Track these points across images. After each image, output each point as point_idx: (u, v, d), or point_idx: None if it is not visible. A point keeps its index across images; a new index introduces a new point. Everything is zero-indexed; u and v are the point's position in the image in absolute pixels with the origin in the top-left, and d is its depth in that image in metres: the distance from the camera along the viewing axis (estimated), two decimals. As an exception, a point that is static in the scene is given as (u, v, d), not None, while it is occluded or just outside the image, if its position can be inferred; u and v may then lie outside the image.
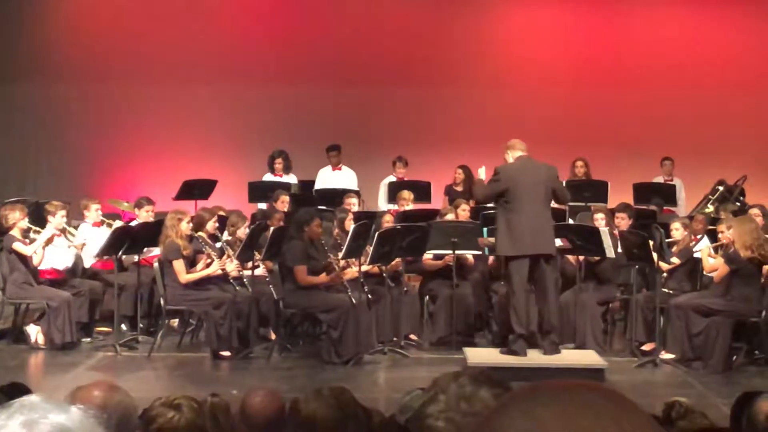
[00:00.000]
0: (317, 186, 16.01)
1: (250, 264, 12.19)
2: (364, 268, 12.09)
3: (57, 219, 12.35)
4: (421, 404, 2.39)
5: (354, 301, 11.40)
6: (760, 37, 17.83)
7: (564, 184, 14.80)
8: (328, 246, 12.03)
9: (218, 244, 12.33)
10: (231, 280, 12.05)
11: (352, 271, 12.07)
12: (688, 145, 17.16)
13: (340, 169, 16.39)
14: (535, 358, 10.84)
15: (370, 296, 11.89)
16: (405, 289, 12.62)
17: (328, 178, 16.26)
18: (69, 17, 18.17)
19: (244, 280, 12.18)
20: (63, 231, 12.51)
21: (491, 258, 12.67)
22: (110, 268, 12.68)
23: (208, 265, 11.98)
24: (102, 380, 4.11)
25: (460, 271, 12.70)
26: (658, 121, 17.56)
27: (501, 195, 10.87)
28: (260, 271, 12.43)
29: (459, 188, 15.83)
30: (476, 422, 1.45)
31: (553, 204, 11.83)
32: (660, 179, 16.35)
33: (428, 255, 12.78)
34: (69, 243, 12.60)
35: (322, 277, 11.72)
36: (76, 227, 13.00)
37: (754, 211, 13.19)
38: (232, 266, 12.04)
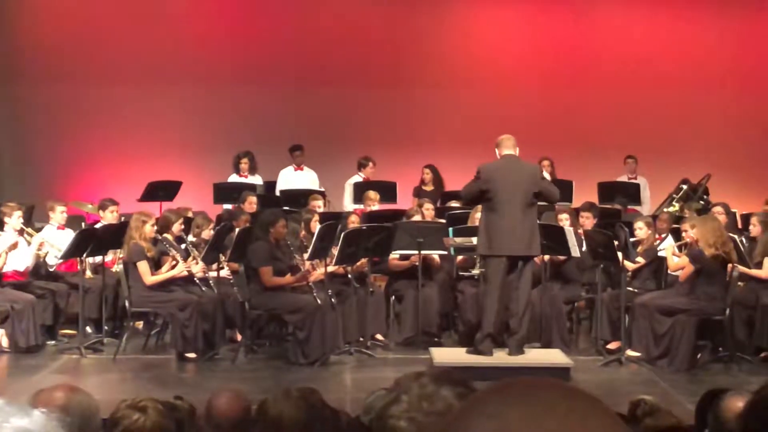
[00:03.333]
0: (279, 186, 15.98)
1: (215, 265, 12.17)
2: (330, 268, 12.10)
3: (13, 220, 12.30)
4: (384, 405, 2.39)
5: (319, 302, 11.38)
6: (723, 36, 17.94)
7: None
8: (294, 247, 12.01)
9: (183, 246, 12.30)
10: (197, 281, 12.00)
11: (319, 273, 12.06)
12: (651, 145, 17.24)
13: (302, 169, 16.37)
14: (500, 357, 10.86)
15: (333, 300, 11.87)
16: (371, 289, 12.61)
17: (290, 179, 16.23)
18: (31, 19, 18.05)
19: (210, 281, 12.15)
20: (20, 231, 12.44)
21: (458, 257, 12.69)
22: (74, 271, 12.61)
23: (173, 267, 11.93)
24: (63, 382, 4.10)
25: (426, 271, 12.71)
26: (622, 120, 17.64)
27: (484, 194, 10.84)
28: (225, 272, 12.41)
29: (428, 188, 15.84)
30: (443, 423, 1.44)
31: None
32: (624, 178, 16.41)
33: (395, 255, 12.78)
34: (27, 243, 12.50)
35: (288, 278, 11.70)
36: (39, 230, 12.91)
37: (718, 209, 13.26)
38: (197, 268, 12.00)
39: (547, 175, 11.55)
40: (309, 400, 4.08)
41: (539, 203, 11.80)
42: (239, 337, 12.24)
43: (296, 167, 16.37)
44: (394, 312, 12.82)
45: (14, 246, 12.11)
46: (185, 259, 11.98)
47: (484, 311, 10.99)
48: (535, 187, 10.88)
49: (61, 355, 11.88)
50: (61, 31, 17.78)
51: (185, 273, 11.92)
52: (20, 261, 12.43)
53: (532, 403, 1.34)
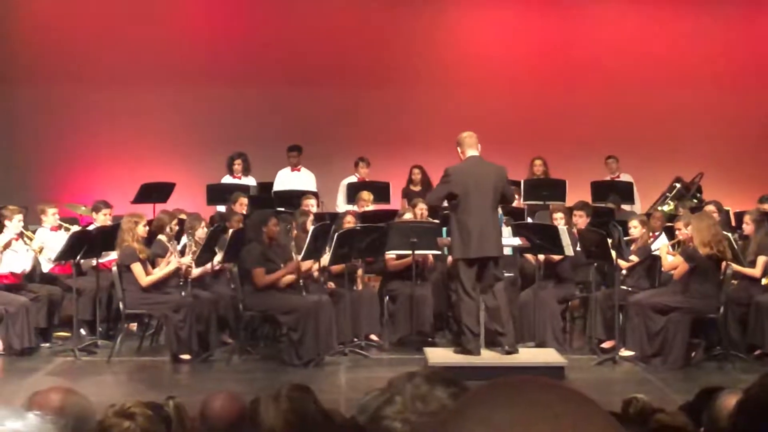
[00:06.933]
0: (276, 187, 15.95)
1: (209, 266, 12.21)
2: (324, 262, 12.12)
3: (14, 223, 12.25)
4: (378, 406, 2.40)
5: (315, 300, 11.39)
6: (715, 35, 17.94)
7: (522, 183, 14.96)
8: (293, 250, 12.02)
9: (183, 240, 12.31)
10: (184, 280, 11.94)
11: (308, 263, 12.03)
12: (644, 143, 17.27)
13: (299, 170, 16.36)
14: (495, 357, 10.86)
15: (328, 286, 11.86)
16: (355, 287, 12.63)
17: (286, 179, 16.22)
18: (23, 20, 18.02)
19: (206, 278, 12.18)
20: (20, 235, 12.42)
21: (450, 258, 12.70)
22: (68, 273, 12.60)
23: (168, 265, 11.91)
24: (59, 384, 4.08)
25: (419, 271, 12.71)
26: (614, 119, 17.63)
27: (452, 197, 10.86)
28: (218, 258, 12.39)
29: (416, 188, 15.83)
30: (434, 424, 1.44)
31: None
32: (607, 178, 16.37)
33: (391, 255, 12.78)
34: (27, 247, 12.49)
35: (279, 273, 11.64)
36: (33, 232, 12.90)
37: (710, 207, 13.26)
38: (187, 260, 11.93)
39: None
40: (298, 402, 4.06)
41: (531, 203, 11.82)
42: (230, 340, 12.24)
43: (292, 168, 16.36)
44: (388, 312, 12.83)
45: (8, 245, 12.08)
46: (182, 257, 11.98)
47: (463, 315, 10.97)
48: (501, 187, 10.92)
49: (56, 357, 11.87)
50: (52, 32, 17.73)
51: (177, 266, 11.84)
52: (18, 263, 12.40)
53: (525, 405, 1.33)
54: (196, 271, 12.10)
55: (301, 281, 11.87)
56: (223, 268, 12.53)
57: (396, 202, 15.51)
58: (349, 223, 12.91)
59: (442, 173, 11.09)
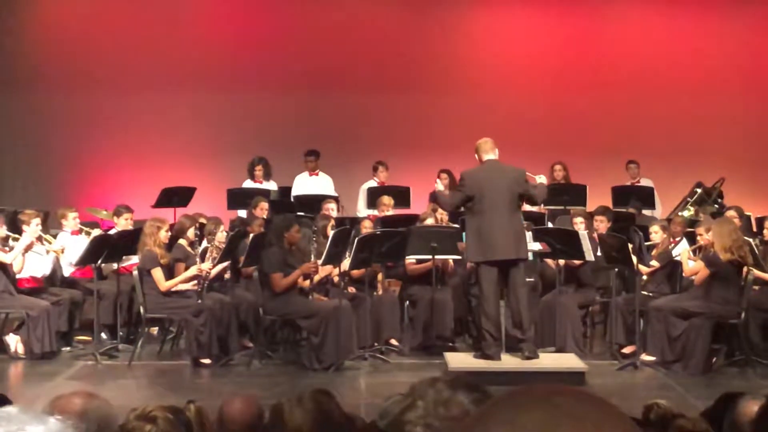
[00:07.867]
0: (294, 192, 15.97)
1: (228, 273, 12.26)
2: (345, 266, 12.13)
3: (32, 228, 12.27)
4: (400, 411, 2.39)
5: (337, 303, 11.41)
6: (735, 40, 17.89)
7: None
8: (307, 252, 12.02)
9: (203, 244, 12.33)
10: (201, 287, 11.94)
11: (327, 268, 12.04)
12: (665, 148, 17.22)
13: (317, 174, 16.38)
14: (515, 362, 10.83)
15: (348, 290, 11.87)
16: (375, 292, 12.62)
17: (304, 184, 16.24)
18: (45, 26, 18.10)
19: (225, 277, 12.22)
20: (39, 238, 12.45)
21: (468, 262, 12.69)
22: (89, 277, 12.63)
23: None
24: (80, 389, 4.09)
25: (440, 275, 12.70)
26: (635, 124, 17.61)
27: (468, 201, 10.86)
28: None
29: (444, 193, 15.82)
30: (459, 428, 1.45)
31: (530, 207, 11.88)
32: (627, 183, 16.35)
33: (411, 259, 12.77)
34: (47, 249, 12.52)
35: (295, 273, 11.63)
36: (54, 236, 12.94)
37: (731, 213, 13.21)
38: (207, 265, 11.93)
39: (544, 179, 11.51)
40: (322, 406, 4.06)
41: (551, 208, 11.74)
42: (251, 344, 12.25)
43: (310, 172, 16.38)
44: (409, 317, 12.82)
45: (30, 246, 12.11)
46: (202, 262, 12.00)
47: (483, 320, 10.95)
48: (519, 189, 10.88)
49: (77, 361, 11.90)
50: (75, 38, 17.81)
51: (197, 272, 11.84)
52: (38, 267, 12.46)
53: (549, 410, 1.34)
54: (213, 270, 12.11)
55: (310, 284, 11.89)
56: (242, 272, 12.55)
57: (416, 206, 15.48)
58: (366, 228, 12.91)
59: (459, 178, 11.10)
